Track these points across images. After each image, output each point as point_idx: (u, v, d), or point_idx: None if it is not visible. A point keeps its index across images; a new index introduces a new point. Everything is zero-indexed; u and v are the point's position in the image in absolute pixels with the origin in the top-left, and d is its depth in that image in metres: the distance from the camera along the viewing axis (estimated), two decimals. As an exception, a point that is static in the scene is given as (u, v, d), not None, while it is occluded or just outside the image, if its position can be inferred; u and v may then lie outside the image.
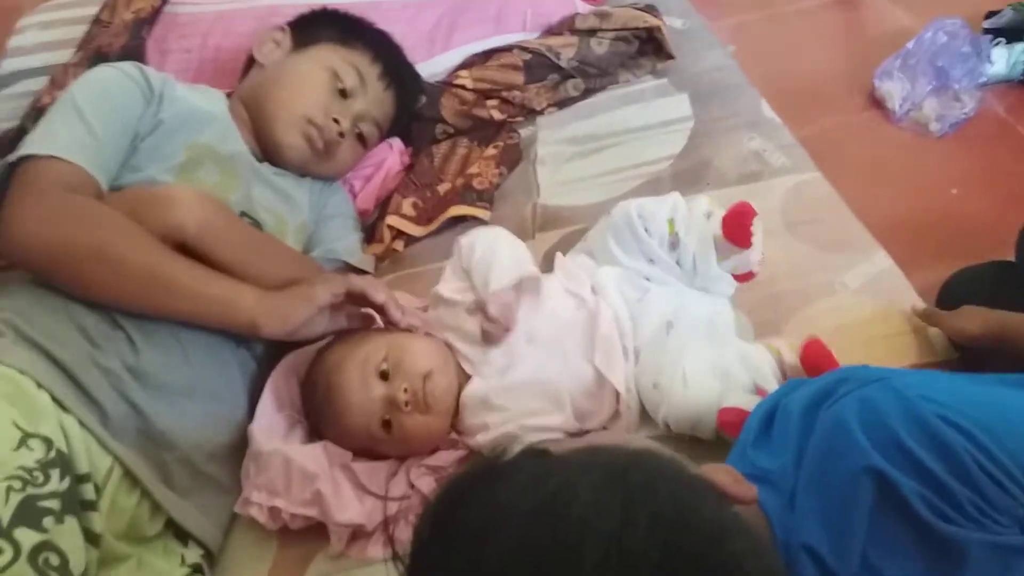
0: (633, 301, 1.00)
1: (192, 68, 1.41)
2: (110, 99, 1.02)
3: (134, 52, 1.37)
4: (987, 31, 1.73)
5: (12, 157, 0.94)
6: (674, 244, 1.02)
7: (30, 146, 0.95)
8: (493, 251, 1.01)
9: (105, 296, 0.90)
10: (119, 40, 1.38)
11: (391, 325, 0.97)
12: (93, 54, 1.38)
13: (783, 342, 0.95)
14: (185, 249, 0.94)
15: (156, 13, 1.45)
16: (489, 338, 0.97)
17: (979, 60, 1.64)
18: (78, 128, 0.97)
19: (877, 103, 1.70)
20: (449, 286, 1.03)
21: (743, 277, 1.05)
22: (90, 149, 0.96)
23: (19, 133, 1.33)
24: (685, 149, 1.34)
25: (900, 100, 1.64)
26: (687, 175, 1.29)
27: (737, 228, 1.01)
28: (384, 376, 0.93)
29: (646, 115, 1.41)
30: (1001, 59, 1.66)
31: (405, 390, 0.91)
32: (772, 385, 0.90)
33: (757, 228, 1.02)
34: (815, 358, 0.90)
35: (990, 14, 1.74)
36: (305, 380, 0.98)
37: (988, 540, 0.56)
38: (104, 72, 1.07)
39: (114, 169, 1.00)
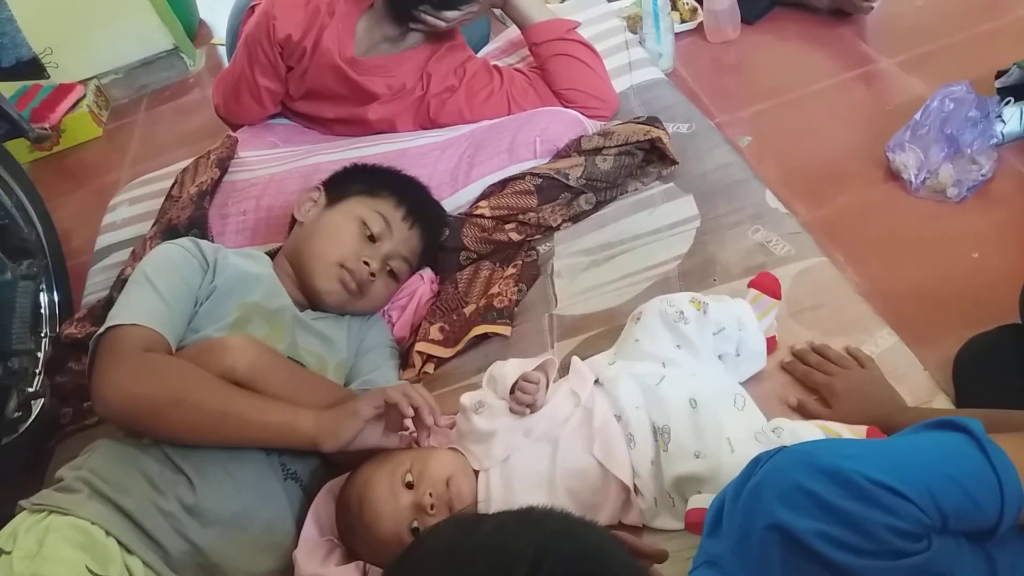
0: (652, 386, 1.06)
1: (248, 228, 1.59)
2: (176, 271, 1.19)
3: (198, 221, 1.57)
4: (1000, 90, 1.74)
5: (101, 330, 1.10)
6: (702, 316, 1.10)
7: (114, 318, 1.11)
8: (524, 362, 1.13)
9: (185, 435, 1.04)
10: (186, 212, 1.57)
11: (423, 427, 1.06)
12: (166, 227, 1.57)
13: (839, 425, 0.98)
14: (239, 386, 1.08)
15: (216, 184, 1.64)
16: (517, 409, 1.06)
17: (988, 122, 1.64)
18: (151, 297, 1.13)
19: (894, 175, 1.71)
20: (470, 393, 1.14)
21: (771, 342, 1.16)
22: (163, 314, 1.12)
23: (108, 303, 1.51)
24: (692, 248, 1.40)
25: (915, 170, 1.65)
26: (694, 273, 1.35)
27: (768, 282, 1.15)
28: (410, 486, 1.01)
29: (655, 219, 1.49)
30: (1014, 118, 1.66)
31: (430, 494, 0.99)
32: None
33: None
34: None
35: (1000, 74, 1.75)
36: (339, 501, 1.07)
37: (885, 566, 0.61)
38: (167, 249, 1.25)
39: (182, 330, 1.15)
